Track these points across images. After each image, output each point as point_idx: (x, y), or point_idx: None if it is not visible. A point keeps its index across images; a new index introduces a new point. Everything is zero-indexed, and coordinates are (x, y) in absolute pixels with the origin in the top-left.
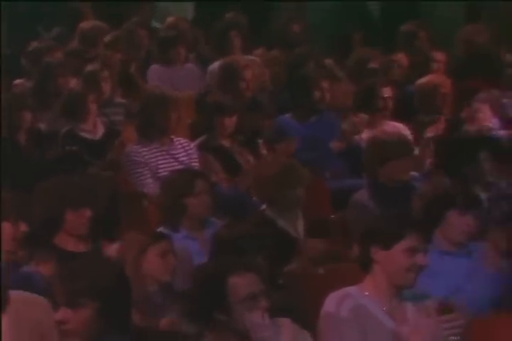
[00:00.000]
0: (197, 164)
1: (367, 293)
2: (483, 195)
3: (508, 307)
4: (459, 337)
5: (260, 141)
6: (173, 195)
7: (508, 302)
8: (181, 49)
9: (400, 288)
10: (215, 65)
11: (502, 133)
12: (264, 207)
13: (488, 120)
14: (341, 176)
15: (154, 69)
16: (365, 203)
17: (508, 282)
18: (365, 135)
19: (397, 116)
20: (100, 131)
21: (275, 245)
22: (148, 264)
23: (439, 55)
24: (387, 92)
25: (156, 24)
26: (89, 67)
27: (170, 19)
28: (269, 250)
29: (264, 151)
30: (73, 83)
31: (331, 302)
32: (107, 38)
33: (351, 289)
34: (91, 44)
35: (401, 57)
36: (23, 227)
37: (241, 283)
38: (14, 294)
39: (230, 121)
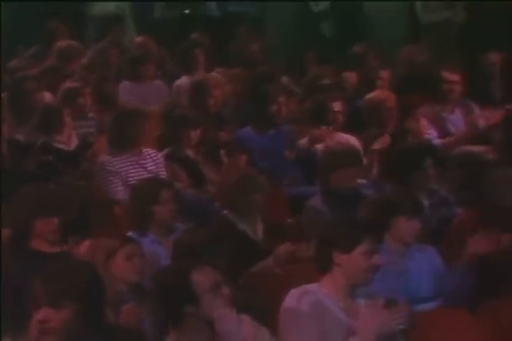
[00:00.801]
0: (164, 173)
1: (325, 291)
2: (425, 202)
3: (448, 304)
4: (404, 326)
5: (222, 152)
6: (140, 204)
7: (448, 299)
8: (150, 66)
9: (356, 287)
10: (181, 81)
11: (439, 142)
12: (226, 212)
13: (427, 131)
14: (297, 183)
15: (125, 85)
16: (318, 208)
17: (452, 280)
18: (318, 145)
19: (348, 129)
20: (74, 142)
21: (235, 247)
22: (117, 266)
23: (384, 73)
24: (337, 106)
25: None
26: (70, 84)
27: (139, 39)
28: (229, 252)
29: (225, 161)
30: (48, 97)
31: (291, 298)
32: (84, 61)
33: (311, 286)
34: (67, 61)
35: (351, 75)
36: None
37: (203, 277)
38: None
39: (195, 134)
